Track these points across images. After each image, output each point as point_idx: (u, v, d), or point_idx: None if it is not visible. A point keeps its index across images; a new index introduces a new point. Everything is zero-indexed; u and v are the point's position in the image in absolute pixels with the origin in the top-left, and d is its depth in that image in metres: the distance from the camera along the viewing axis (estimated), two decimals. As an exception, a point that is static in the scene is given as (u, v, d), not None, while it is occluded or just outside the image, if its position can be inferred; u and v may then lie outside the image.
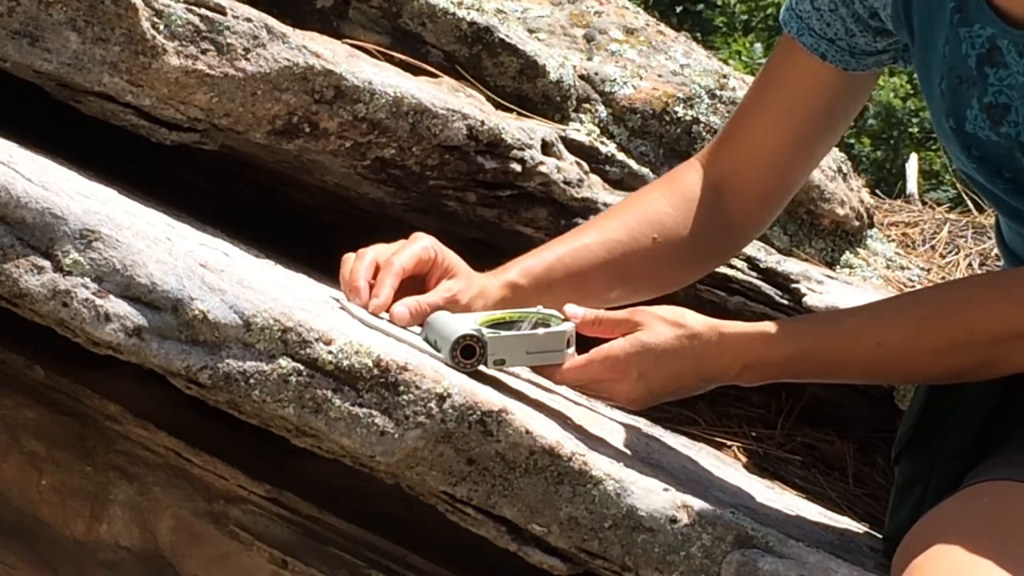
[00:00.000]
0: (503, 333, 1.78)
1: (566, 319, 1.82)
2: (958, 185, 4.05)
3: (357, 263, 1.84)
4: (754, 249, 2.50)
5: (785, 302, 2.46)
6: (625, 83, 2.67)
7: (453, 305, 1.83)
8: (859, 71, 1.91)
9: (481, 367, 1.76)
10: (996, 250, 3.23)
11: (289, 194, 2.42)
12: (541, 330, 1.80)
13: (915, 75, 1.89)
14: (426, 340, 1.80)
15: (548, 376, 1.83)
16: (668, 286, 2.05)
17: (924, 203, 3.74)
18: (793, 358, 1.79)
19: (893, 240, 3.19)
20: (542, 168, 2.33)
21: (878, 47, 1.88)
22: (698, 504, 1.72)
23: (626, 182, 2.54)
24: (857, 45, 1.88)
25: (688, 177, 1.99)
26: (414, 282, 1.86)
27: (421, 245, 1.86)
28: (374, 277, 1.83)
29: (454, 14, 2.49)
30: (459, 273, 1.87)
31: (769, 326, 1.83)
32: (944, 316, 1.76)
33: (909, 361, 1.79)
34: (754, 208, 2.00)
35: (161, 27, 2.02)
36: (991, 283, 1.88)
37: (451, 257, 1.88)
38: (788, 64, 1.92)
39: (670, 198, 1.97)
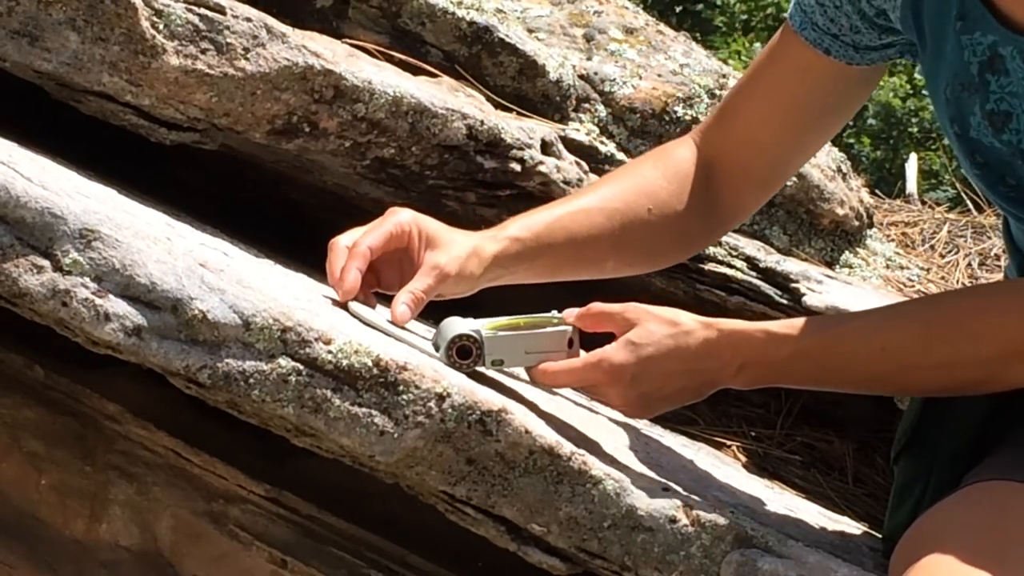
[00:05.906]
0: (500, 333, 1.76)
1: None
2: (958, 185, 4.05)
3: (332, 255, 1.80)
4: (754, 249, 2.50)
5: (785, 302, 2.46)
6: (625, 83, 2.67)
7: (444, 280, 1.80)
8: (863, 64, 1.88)
9: (480, 368, 1.75)
10: (996, 250, 3.23)
11: (289, 194, 2.42)
12: (539, 330, 1.77)
13: (915, 75, 1.89)
14: (433, 343, 1.79)
15: (538, 377, 1.79)
16: (659, 261, 2.05)
17: (924, 203, 3.74)
18: (793, 357, 1.75)
19: (893, 240, 3.19)
20: (542, 168, 2.33)
21: (883, 42, 1.86)
22: (698, 504, 1.72)
23: (626, 182, 2.53)
24: (861, 41, 1.86)
25: (680, 152, 1.98)
26: (400, 260, 1.83)
27: (393, 222, 1.80)
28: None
29: (454, 14, 2.49)
30: (440, 242, 1.82)
31: (769, 324, 1.80)
32: (952, 325, 1.73)
33: (912, 369, 1.74)
34: (744, 191, 2.00)
35: (161, 27, 2.02)
36: (1001, 295, 1.83)
37: (431, 227, 1.83)
38: (787, 57, 1.90)
39: (664, 171, 1.96)
